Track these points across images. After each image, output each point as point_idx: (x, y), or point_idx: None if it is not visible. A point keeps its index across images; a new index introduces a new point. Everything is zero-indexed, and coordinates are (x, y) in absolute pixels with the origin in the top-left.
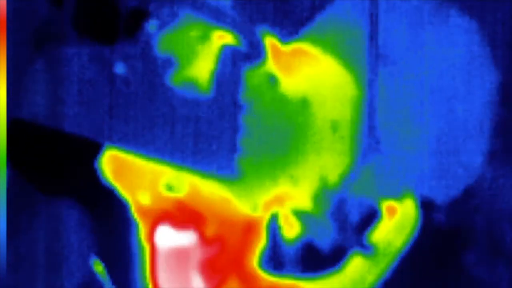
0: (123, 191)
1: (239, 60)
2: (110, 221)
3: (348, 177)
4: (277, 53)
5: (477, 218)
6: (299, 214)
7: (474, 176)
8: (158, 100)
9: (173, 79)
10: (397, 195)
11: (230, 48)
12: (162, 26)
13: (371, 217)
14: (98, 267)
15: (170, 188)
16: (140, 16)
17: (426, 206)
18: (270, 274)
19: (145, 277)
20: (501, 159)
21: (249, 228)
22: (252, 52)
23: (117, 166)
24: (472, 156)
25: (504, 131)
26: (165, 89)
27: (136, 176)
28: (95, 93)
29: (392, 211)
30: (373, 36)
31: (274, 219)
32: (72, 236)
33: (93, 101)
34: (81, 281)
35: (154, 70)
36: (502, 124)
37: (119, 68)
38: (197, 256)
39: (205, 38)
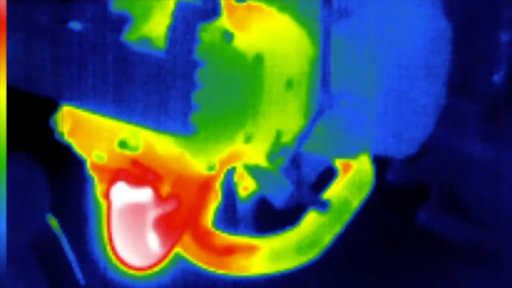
0: (79, 149)
1: (195, 16)
2: (65, 178)
3: (303, 134)
4: (231, 9)
5: (432, 175)
6: (254, 171)
7: (429, 133)
8: (113, 58)
9: (128, 36)
10: (352, 153)
11: (185, 4)
12: None
13: (326, 174)
14: (53, 223)
15: (125, 145)
16: None
17: (381, 164)
18: (225, 232)
19: (101, 234)
20: (458, 115)
21: (204, 185)
22: (208, 9)
23: (72, 123)
24: (428, 111)
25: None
26: (120, 46)
27: (91, 134)
28: (50, 51)
29: (347, 169)
30: None
31: (229, 176)
32: (28, 192)
33: (47, 59)
34: (37, 237)
35: (109, 27)
36: (458, 78)
37: (74, 26)
38: (152, 213)
39: None
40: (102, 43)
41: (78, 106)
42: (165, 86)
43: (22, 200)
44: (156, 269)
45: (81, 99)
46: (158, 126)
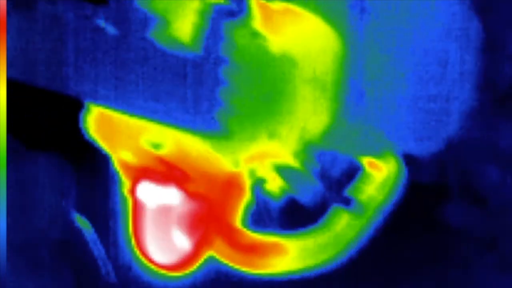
0: (106, 148)
1: (223, 16)
2: (93, 177)
3: (331, 133)
4: (262, 9)
5: (458, 173)
6: (282, 170)
7: (456, 131)
8: (141, 57)
9: (157, 36)
10: (378, 151)
11: (214, 3)
12: None
13: (354, 173)
14: (82, 222)
15: (152, 144)
16: None
17: (407, 162)
18: (253, 231)
19: (127, 233)
20: (484, 112)
21: (232, 184)
22: (236, 8)
23: (100, 122)
24: (454, 110)
25: (487, 83)
26: (148, 46)
27: (119, 133)
28: (79, 51)
29: (374, 167)
30: None
31: (257, 175)
32: (56, 191)
33: (76, 58)
34: (63, 236)
35: (138, 27)
36: (485, 76)
37: (103, 26)
38: (180, 212)
39: None
40: (130, 42)
41: (105, 105)
42: (193, 85)
43: (51, 198)
44: (186, 268)
45: (109, 98)
46: (185, 124)
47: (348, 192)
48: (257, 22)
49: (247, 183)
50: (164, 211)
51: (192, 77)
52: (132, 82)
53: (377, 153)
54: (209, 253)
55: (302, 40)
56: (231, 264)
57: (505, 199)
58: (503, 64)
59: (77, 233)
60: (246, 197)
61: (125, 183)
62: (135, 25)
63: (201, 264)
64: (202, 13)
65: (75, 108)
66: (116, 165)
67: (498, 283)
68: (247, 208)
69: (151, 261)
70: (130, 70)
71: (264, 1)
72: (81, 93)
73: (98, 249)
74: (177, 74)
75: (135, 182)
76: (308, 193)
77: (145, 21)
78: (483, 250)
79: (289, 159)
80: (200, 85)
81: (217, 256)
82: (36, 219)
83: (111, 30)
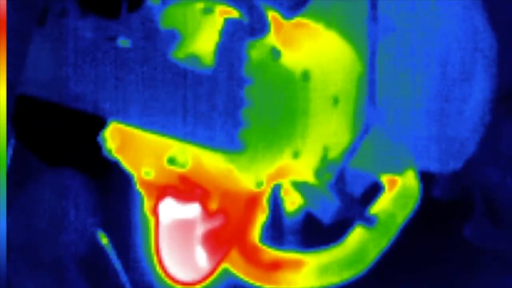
0: (127, 165)
1: (242, 34)
2: (114, 194)
3: (350, 150)
4: (279, 27)
5: (477, 189)
6: (301, 187)
7: (475, 147)
8: (161, 74)
9: (176, 54)
10: (398, 168)
11: (233, 22)
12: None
13: (372, 189)
14: (103, 240)
15: (173, 161)
16: None
17: (426, 179)
18: (272, 247)
19: (149, 250)
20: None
21: (251, 201)
22: (256, 26)
23: (120, 139)
24: (473, 127)
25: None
26: (168, 63)
27: (139, 150)
28: (99, 68)
29: (393, 184)
30: (374, 8)
31: (276, 192)
32: (76, 208)
33: (96, 75)
34: (85, 253)
35: (157, 44)
36: (504, 91)
37: (122, 43)
38: (200, 229)
39: (208, 12)
40: (150, 60)
41: (126, 123)
42: (212, 103)
43: (71, 216)
44: (203, 284)
45: (129, 116)
46: (206, 142)
47: (367, 209)
48: (276, 39)
49: (268, 201)
50: (186, 228)
51: (214, 96)
52: (154, 100)
53: (397, 170)
54: (226, 268)
55: (321, 57)
56: (248, 280)
57: (505, 199)
58: (503, 64)
59: (100, 251)
60: (267, 215)
61: (147, 201)
62: (156, 43)
63: (218, 280)
64: (223, 32)
65: (97, 125)
66: (138, 183)
67: None
68: (267, 225)
69: (172, 279)
70: (150, 88)
71: (281, 18)
72: (102, 110)
73: (119, 268)
74: (199, 93)
75: (156, 200)
76: (328, 210)
77: (166, 39)
78: (505, 268)
79: (310, 177)
80: (223, 104)
81: (235, 272)
82: (59, 236)
83: (126, 45)
